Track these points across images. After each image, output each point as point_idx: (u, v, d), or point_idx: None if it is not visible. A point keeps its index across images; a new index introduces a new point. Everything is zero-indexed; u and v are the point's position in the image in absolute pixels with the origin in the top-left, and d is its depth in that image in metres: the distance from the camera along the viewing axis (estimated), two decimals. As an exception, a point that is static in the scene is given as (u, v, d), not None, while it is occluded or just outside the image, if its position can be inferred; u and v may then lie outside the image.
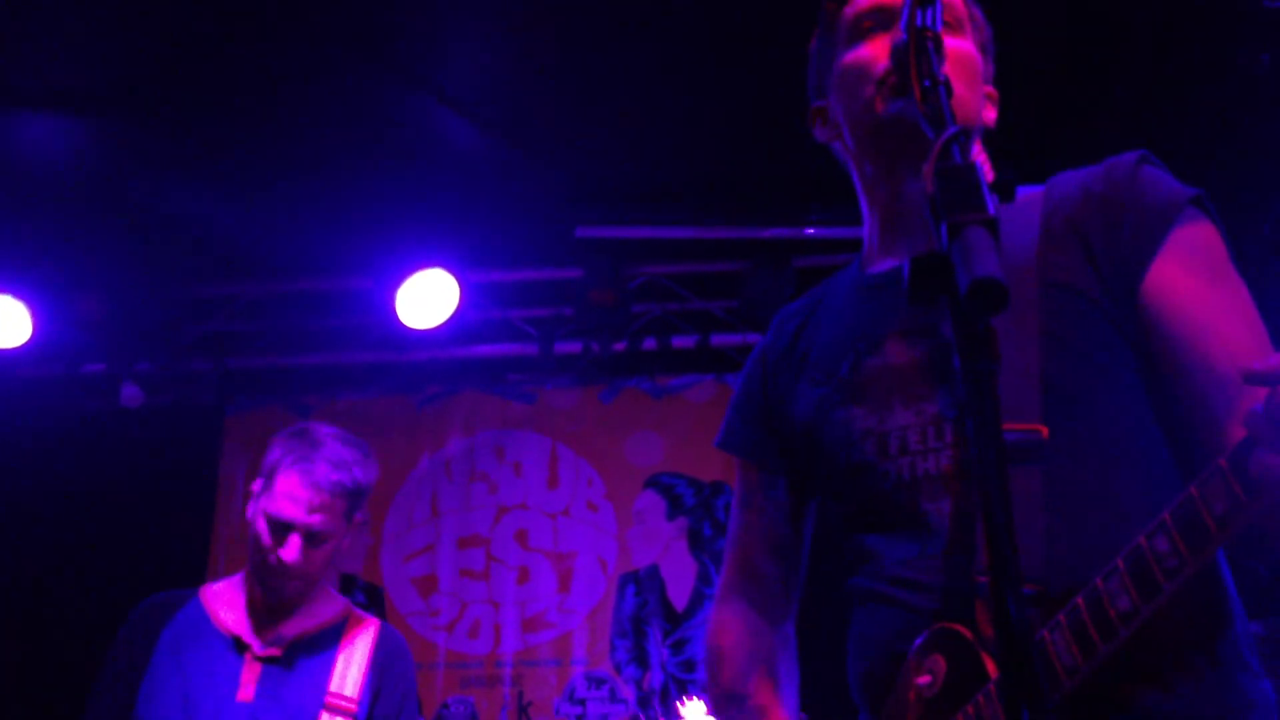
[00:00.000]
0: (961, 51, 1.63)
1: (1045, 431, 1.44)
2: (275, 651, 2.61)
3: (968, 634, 1.43)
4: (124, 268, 5.51)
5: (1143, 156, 1.55)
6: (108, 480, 5.83)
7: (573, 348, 5.76)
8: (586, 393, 5.88)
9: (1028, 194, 1.62)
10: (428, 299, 5.44)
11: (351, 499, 2.63)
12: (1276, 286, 3.20)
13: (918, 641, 1.49)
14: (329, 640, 2.69)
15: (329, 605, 2.76)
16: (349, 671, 2.65)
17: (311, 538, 2.58)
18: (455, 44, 4.48)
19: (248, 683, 2.57)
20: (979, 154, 1.70)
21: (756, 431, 1.83)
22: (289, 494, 2.57)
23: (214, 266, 5.69)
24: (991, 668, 1.39)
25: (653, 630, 5.51)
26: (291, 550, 2.56)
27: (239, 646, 2.61)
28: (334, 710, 2.60)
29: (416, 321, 5.47)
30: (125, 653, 2.65)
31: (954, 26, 1.64)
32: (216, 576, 5.30)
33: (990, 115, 1.71)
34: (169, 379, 5.84)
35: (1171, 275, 1.48)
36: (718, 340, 5.73)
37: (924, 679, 1.46)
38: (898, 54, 1.33)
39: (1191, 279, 1.47)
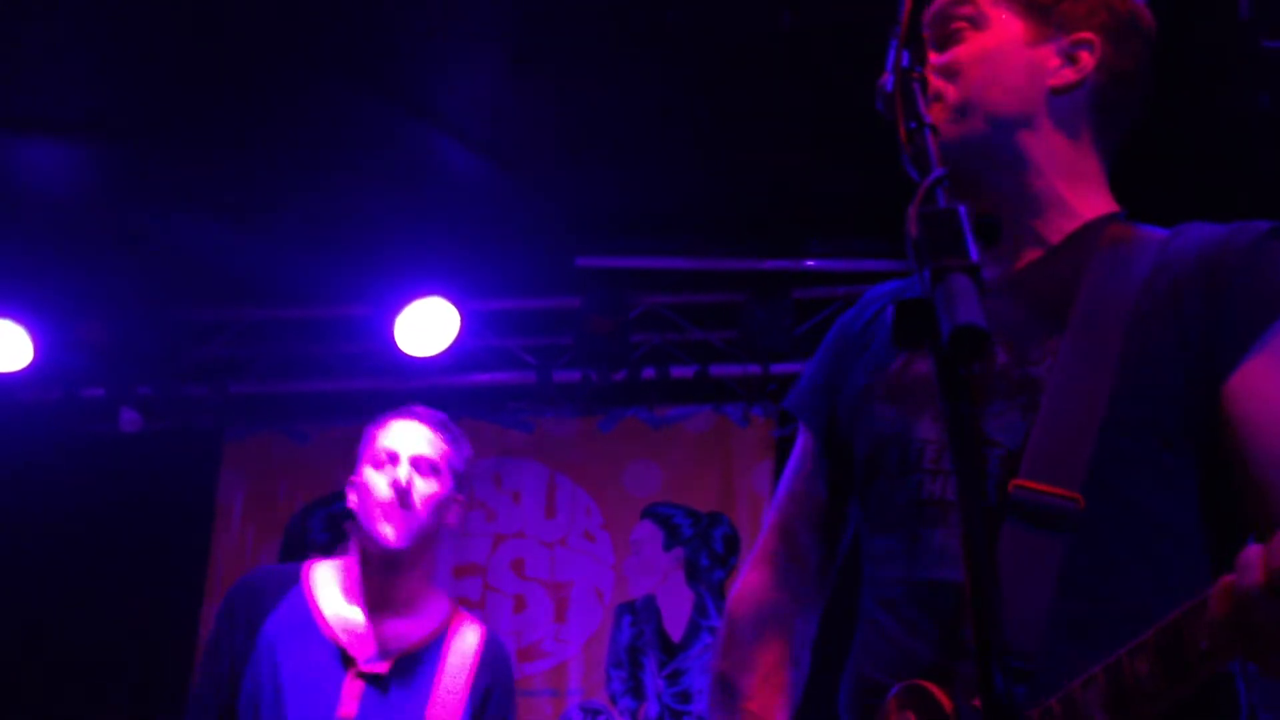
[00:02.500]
0: (970, 53, 1.58)
1: (1082, 503, 1.38)
2: (380, 669, 2.53)
3: (946, 704, 1.38)
4: (124, 293, 5.52)
5: (1274, 230, 1.43)
6: (106, 505, 5.82)
7: (572, 377, 5.76)
8: (585, 422, 5.87)
9: (1146, 235, 1.54)
10: (427, 327, 5.45)
11: (452, 455, 2.67)
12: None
13: (893, 691, 1.45)
14: (432, 654, 2.59)
15: (436, 605, 2.69)
16: (451, 691, 2.57)
17: (419, 465, 2.60)
18: (456, 72, 4.50)
19: (349, 699, 2.49)
20: (1049, 130, 1.58)
21: (823, 402, 1.76)
22: (391, 433, 2.63)
23: (214, 292, 5.70)
24: (947, 703, 1.36)
25: (649, 661, 5.49)
26: (405, 477, 2.56)
27: (344, 659, 2.53)
28: None
29: (415, 349, 5.47)
30: (226, 644, 2.57)
31: (969, 25, 1.59)
32: (214, 601, 5.28)
33: (1065, 76, 1.57)
34: (168, 404, 5.84)
35: (1265, 373, 1.38)
36: (717, 371, 5.72)
37: None
38: (884, 100, 1.33)
39: None
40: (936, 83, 1.55)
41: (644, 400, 5.83)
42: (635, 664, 5.49)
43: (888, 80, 1.26)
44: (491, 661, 2.65)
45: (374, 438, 2.66)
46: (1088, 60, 1.57)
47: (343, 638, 2.55)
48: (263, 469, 5.95)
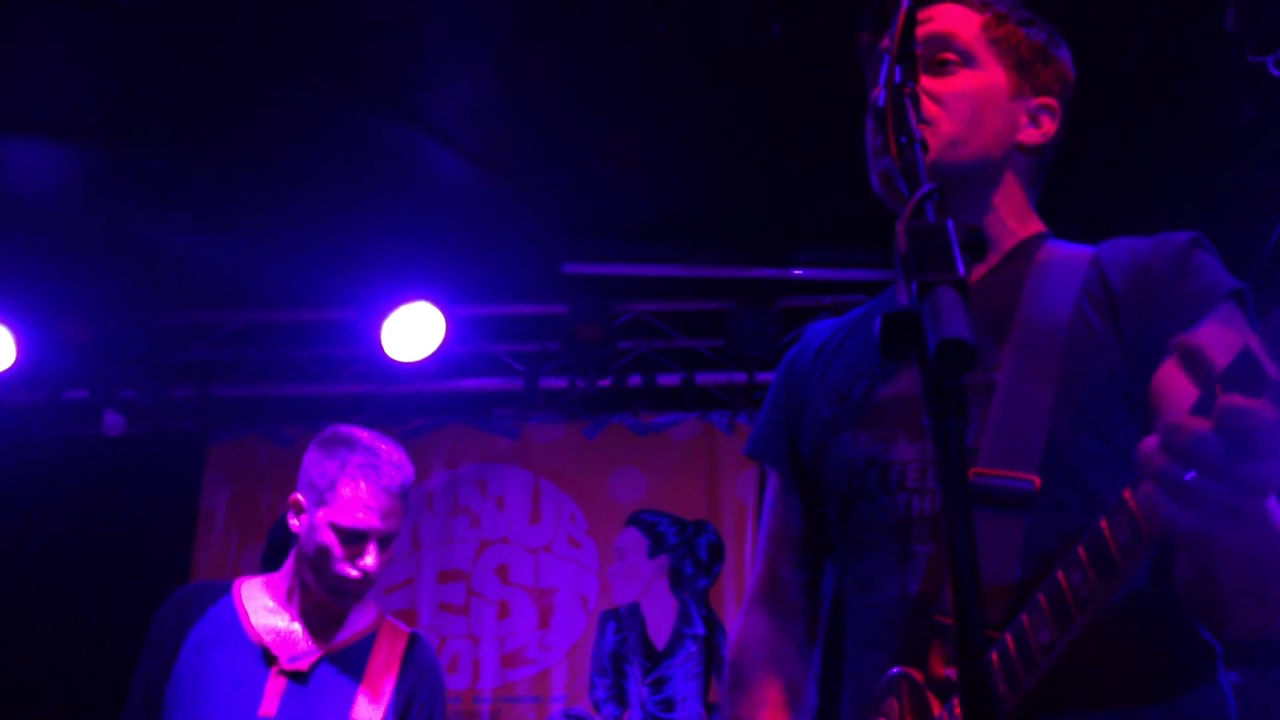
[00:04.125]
0: (960, 89, 1.63)
1: (1038, 483, 1.45)
2: (302, 666, 2.56)
3: (918, 676, 1.45)
4: (109, 295, 5.50)
5: (1195, 240, 1.56)
6: (88, 508, 5.80)
7: (558, 383, 5.76)
8: (570, 428, 5.88)
9: (1075, 251, 1.64)
10: (413, 332, 5.44)
11: (409, 498, 2.65)
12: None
13: (879, 686, 1.51)
14: (358, 656, 2.63)
15: (364, 614, 2.70)
16: (375, 692, 2.59)
17: (384, 542, 2.57)
18: (444, 77, 4.50)
19: (271, 697, 2.51)
20: (1009, 181, 1.68)
21: (782, 439, 1.84)
22: (362, 503, 2.54)
23: (199, 295, 5.69)
24: (936, 707, 1.43)
25: (632, 669, 5.48)
26: (372, 558, 2.54)
27: (267, 658, 2.55)
28: None
29: (402, 354, 5.47)
30: (156, 650, 2.61)
31: (960, 61, 1.65)
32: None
33: (1031, 135, 1.68)
34: (152, 407, 5.82)
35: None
36: (702, 379, 5.73)
37: None
38: (875, 114, 1.34)
39: None
40: (931, 108, 1.60)
41: (630, 407, 5.83)
42: (619, 671, 5.49)
43: (880, 95, 1.26)
44: (417, 661, 2.68)
45: (342, 494, 2.56)
46: (1049, 125, 1.70)
47: (267, 638, 2.59)
48: (247, 473, 5.93)
